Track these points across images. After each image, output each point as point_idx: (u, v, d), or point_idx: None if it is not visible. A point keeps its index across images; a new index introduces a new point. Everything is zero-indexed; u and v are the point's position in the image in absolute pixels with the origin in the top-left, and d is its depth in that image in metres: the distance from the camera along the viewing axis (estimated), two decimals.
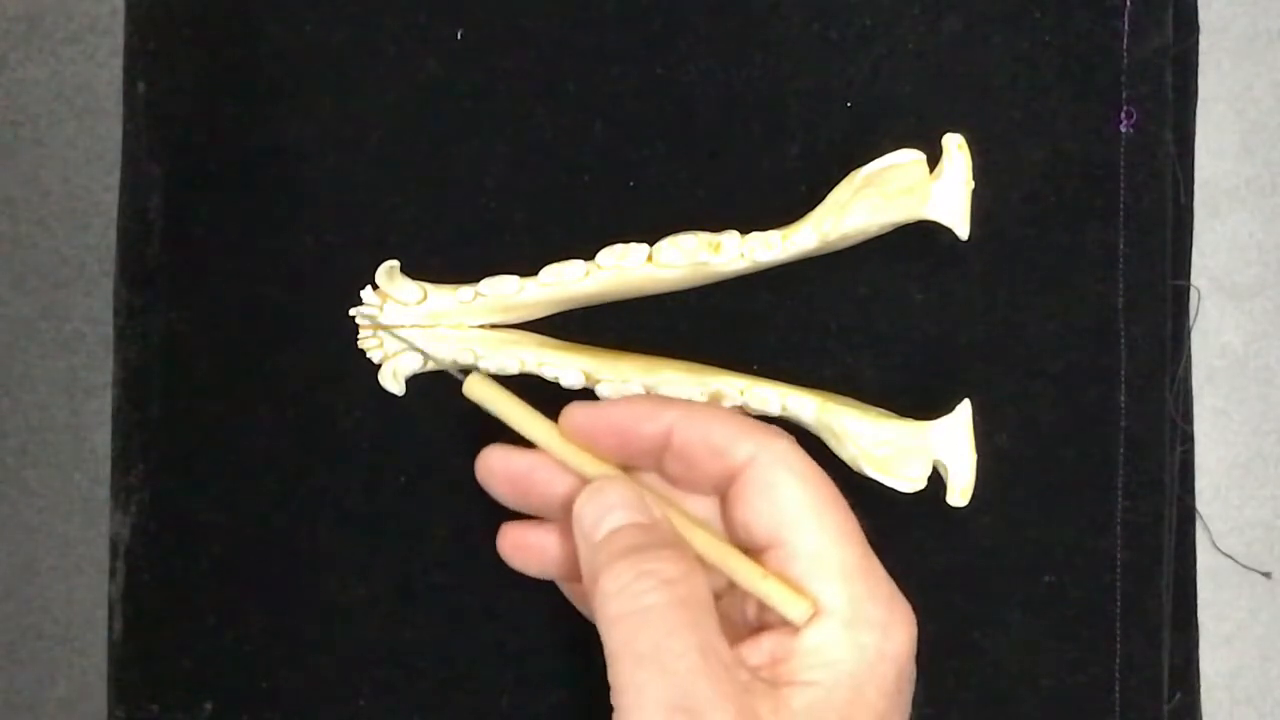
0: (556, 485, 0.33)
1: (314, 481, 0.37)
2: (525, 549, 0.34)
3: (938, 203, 0.34)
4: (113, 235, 0.39)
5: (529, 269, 0.36)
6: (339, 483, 0.37)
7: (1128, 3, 0.37)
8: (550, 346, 0.36)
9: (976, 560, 0.37)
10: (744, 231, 0.35)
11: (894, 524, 0.34)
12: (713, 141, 0.37)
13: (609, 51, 0.37)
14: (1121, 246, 0.37)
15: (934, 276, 0.37)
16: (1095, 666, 0.37)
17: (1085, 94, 0.37)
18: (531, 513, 0.34)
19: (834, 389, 0.36)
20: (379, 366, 0.36)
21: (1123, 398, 0.37)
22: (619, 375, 0.35)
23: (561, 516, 0.33)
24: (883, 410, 0.36)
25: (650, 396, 0.35)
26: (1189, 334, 0.40)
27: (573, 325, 0.37)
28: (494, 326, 0.36)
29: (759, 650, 0.30)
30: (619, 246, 0.35)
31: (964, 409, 0.35)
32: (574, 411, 0.32)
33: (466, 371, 0.34)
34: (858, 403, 0.36)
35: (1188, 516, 0.41)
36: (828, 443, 0.35)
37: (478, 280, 0.36)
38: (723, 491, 0.32)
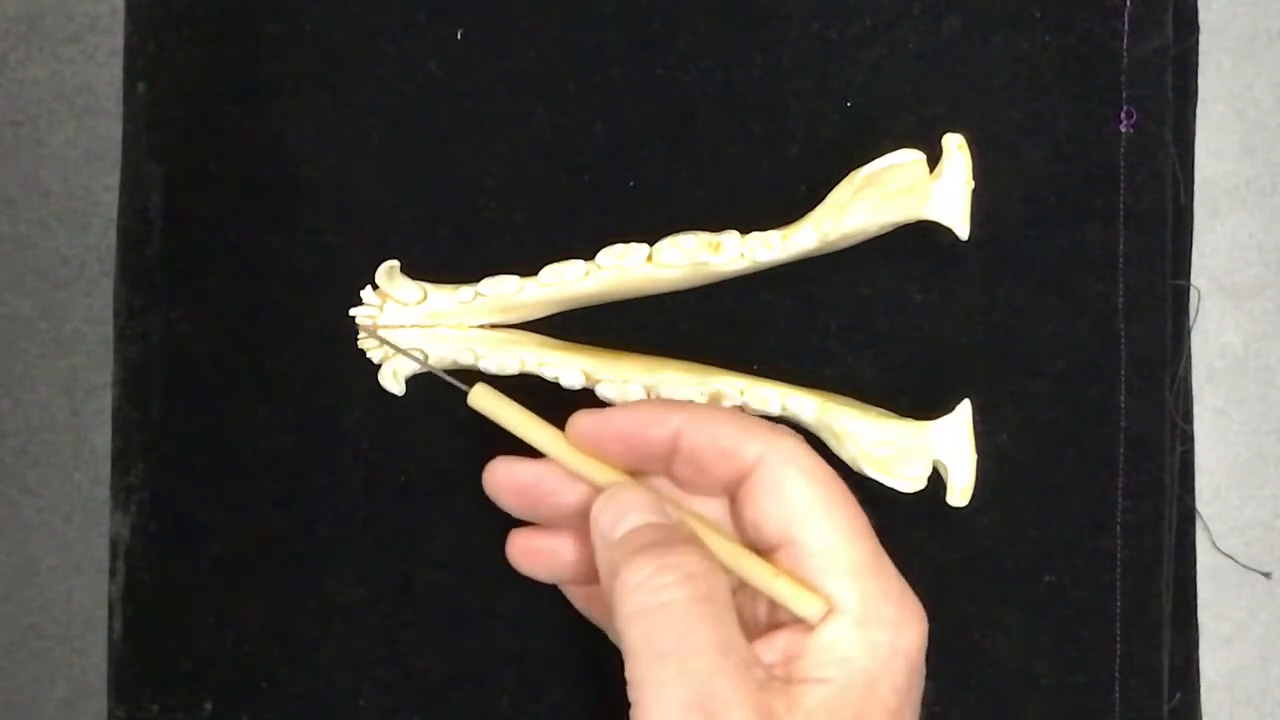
0: (564, 494, 0.33)
1: (314, 481, 0.37)
2: (535, 554, 0.34)
3: (938, 203, 0.34)
4: (113, 235, 0.39)
5: (529, 269, 0.36)
6: (339, 483, 0.37)
7: (1128, 3, 0.37)
8: (550, 346, 0.36)
9: (976, 560, 0.37)
10: (744, 231, 0.35)
11: (894, 524, 0.34)
12: (713, 141, 0.37)
13: (609, 51, 0.37)
14: (1121, 246, 0.37)
15: (934, 276, 0.37)
16: (1095, 666, 0.37)
17: (1085, 94, 0.37)
18: (540, 522, 0.34)
19: (834, 389, 0.36)
20: (379, 366, 0.36)
21: (1123, 398, 0.37)
22: (619, 375, 0.35)
23: (571, 524, 0.33)
24: (883, 410, 0.36)
25: (656, 401, 0.35)
26: (1189, 334, 0.40)
27: (573, 325, 0.37)
28: (494, 326, 0.36)
29: (772, 648, 0.30)
30: (619, 246, 0.35)
31: (964, 409, 0.35)
32: (581, 419, 0.32)
33: (469, 381, 0.34)
34: (858, 403, 0.36)
35: (1188, 516, 0.41)
36: (828, 443, 0.35)
37: (478, 280, 0.36)
38: (732, 492, 0.32)
